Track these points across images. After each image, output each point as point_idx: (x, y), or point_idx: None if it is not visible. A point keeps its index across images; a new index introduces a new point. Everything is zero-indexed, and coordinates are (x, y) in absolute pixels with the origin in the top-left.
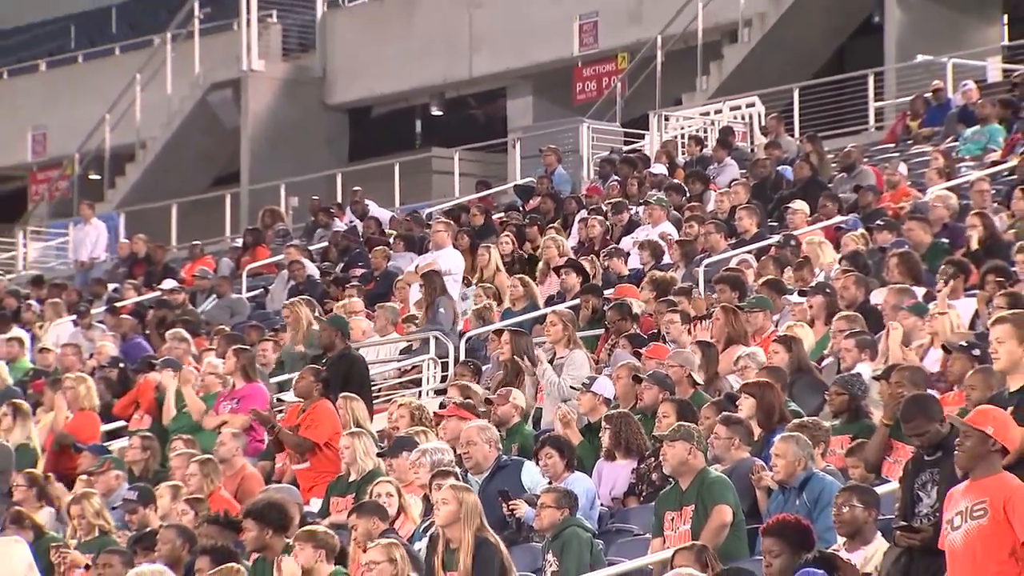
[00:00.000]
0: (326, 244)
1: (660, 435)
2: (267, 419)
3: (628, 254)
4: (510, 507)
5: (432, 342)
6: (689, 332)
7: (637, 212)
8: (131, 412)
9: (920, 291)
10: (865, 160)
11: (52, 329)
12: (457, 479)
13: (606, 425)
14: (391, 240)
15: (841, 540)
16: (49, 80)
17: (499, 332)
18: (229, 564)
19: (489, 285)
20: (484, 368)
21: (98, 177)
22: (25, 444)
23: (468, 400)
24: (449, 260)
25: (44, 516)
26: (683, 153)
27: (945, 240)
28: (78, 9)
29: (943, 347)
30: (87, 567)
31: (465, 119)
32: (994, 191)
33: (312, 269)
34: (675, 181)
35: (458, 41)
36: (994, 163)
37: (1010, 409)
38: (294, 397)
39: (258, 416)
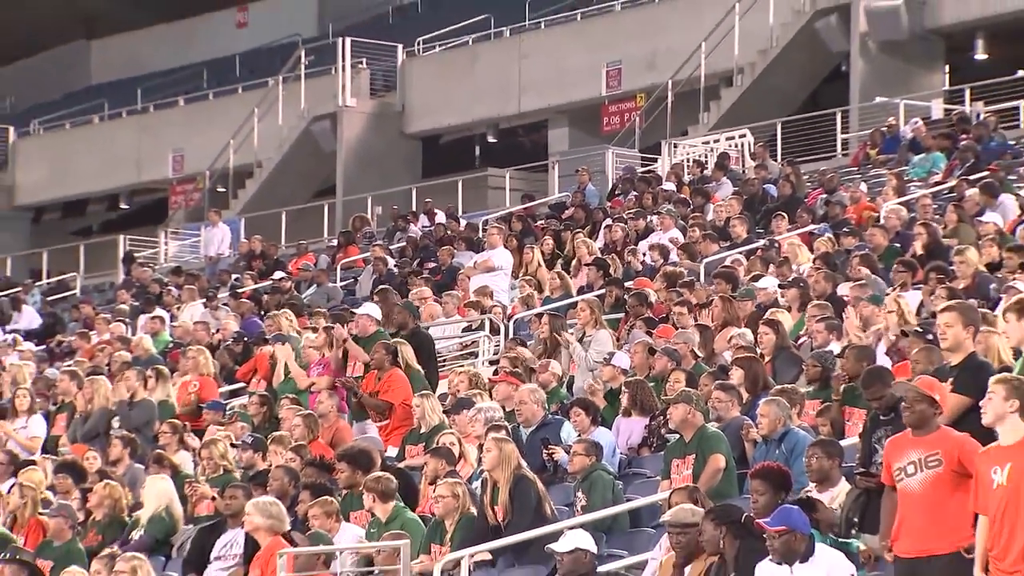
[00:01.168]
0: (403, 244)
1: (667, 398)
2: (351, 386)
3: (644, 254)
4: (549, 453)
5: (487, 323)
6: (694, 317)
7: (651, 220)
8: (250, 377)
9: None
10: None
11: (187, 310)
12: (505, 432)
13: (624, 390)
14: (455, 241)
15: (812, 484)
16: (186, 113)
17: (540, 315)
18: (325, 497)
19: (532, 278)
20: (528, 343)
21: (223, 190)
22: (165, 400)
23: (516, 369)
24: (500, 258)
25: (181, 458)
26: (688, 173)
27: (897, 244)
28: (210, 57)
29: (902, 331)
30: (213, 498)
31: (514, 145)
32: (936, 206)
33: (392, 264)
34: (682, 196)
35: (510, 84)
36: (936, 183)
37: (950, 380)
38: None
39: (344, 384)
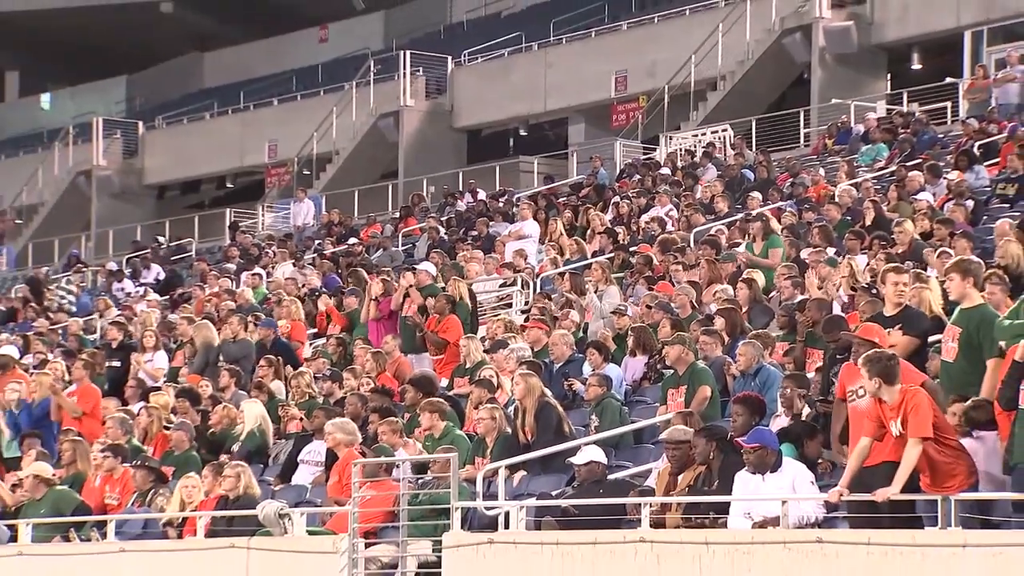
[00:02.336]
0: (451, 216)
1: (664, 340)
2: (418, 323)
3: (646, 224)
4: (569, 385)
5: (519, 280)
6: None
7: (651, 198)
8: (327, 322)
9: (831, 251)
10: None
11: (279, 268)
12: (532, 368)
13: (630, 334)
14: (493, 214)
15: (782, 409)
16: (279, 111)
17: (562, 274)
18: (391, 418)
19: (555, 244)
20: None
21: (308, 173)
22: (262, 340)
23: (543, 317)
24: (530, 228)
25: (275, 386)
26: (680, 160)
27: (849, 217)
28: (298, 66)
29: (851, 288)
30: (301, 419)
31: (541, 137)
32: (879, 186)
33: (442, 232)
34: (675, 178)
35: (537, 88)
36: (880, 169)
37: (897, 326)
38: None
39: (410, 320)
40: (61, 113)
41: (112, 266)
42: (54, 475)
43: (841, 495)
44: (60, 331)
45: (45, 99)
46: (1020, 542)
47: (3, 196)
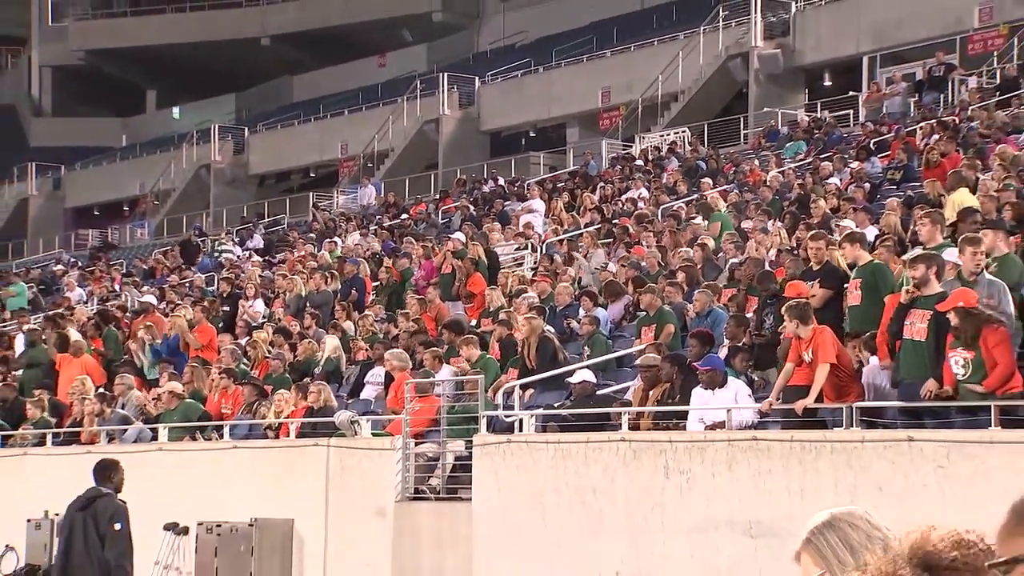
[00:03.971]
0: (478, 196)
1: (639, 291)
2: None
3: (624, 202)
4: (568, 323)
5: (528, 246)
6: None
7: (628, 183)
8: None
9: (769, 224)
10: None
11: (349, 237)
12: (537, 311)
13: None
14: (509, 195)
15: (727, 340)
16: (350, 119)
17: (561, 241)
18: (433, 348)
19: (556, 217)
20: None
21: (371, 165)
22: (337, 290)
23: (547, 272)
24: (538, 205)
25: (347, 325)
26: (651, 154)
27: (778, 197)
28: (362, 84)
29: (778, 250)
30: (366, 349)
31: (546, 138)
32: (799, 173)
33: (472, 209)
34: (647, 168)
35: (543, 100)
36: (800, 160)
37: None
38: None
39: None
40: (187, 121)
41: (225, 237)
42: (183, 391)
43: (771, 405)
44: (187, 284)
45: (176, 111)
46: (904, 438)
47: (145, 183)
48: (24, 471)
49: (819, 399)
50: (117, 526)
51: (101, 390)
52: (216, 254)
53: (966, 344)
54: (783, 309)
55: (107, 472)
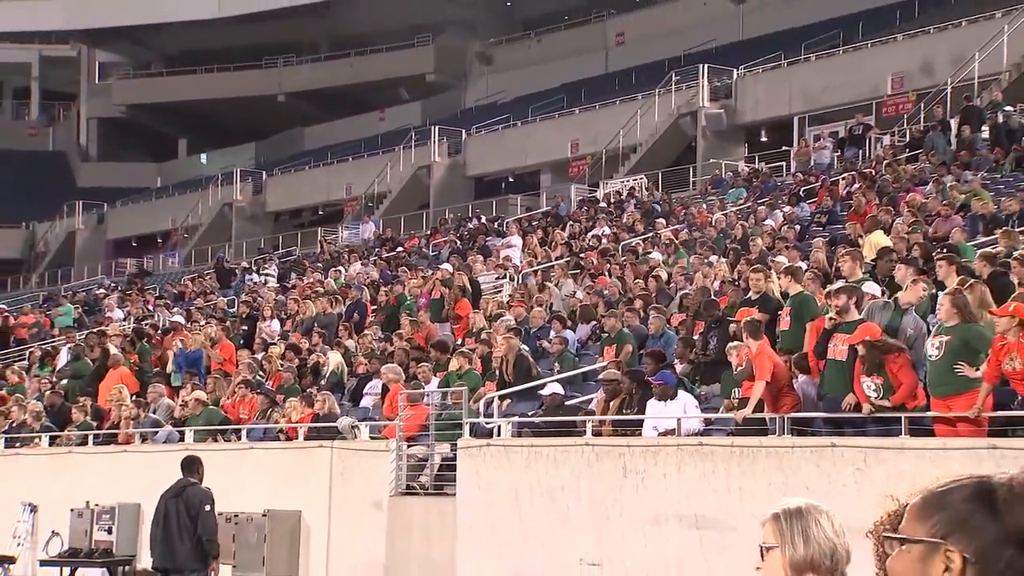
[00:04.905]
0: (464, 232)
1: (602, 315)
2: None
3: (590, 239)
4: (540, 342)
5: (506, 276)
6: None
7: (594, 222)
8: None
9: (714, 259)
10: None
11: (351, 266)
12: (514, 332)
13: (579, 311)
14: (490, 232)
15: (676, 359)
16: (353, 166)
17: (535, 271)
18: (423, 363)
19: (531, 251)
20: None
21: (371, 205)
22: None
23: (522, 299)
24: (515, 240)
25: (349, 343)
26: (613, 198)
27: (722, 235)
28: (363, 136)
29: (722, 281)
30: (365, 364)
31: (522, 183)
32: (740, 215)
33: (458, 243)
34: (609, 209)
35: (521, 150)
36: (741, 204)
37: (755, 307)
38: None
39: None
40: (213, 166)
41: (244, 264)
42: (206, 399)
43: (744, 416)
44: (211, 306)
45: (203, 157)
46: (827, 444)
47: (176, 219)
48: (69, 467)
49: (758, 408)
50: (207, 508)
51: (136, 397)
52: (261, 276)
53: (874, 370)
54: (742, 324)
55: (193, 465)
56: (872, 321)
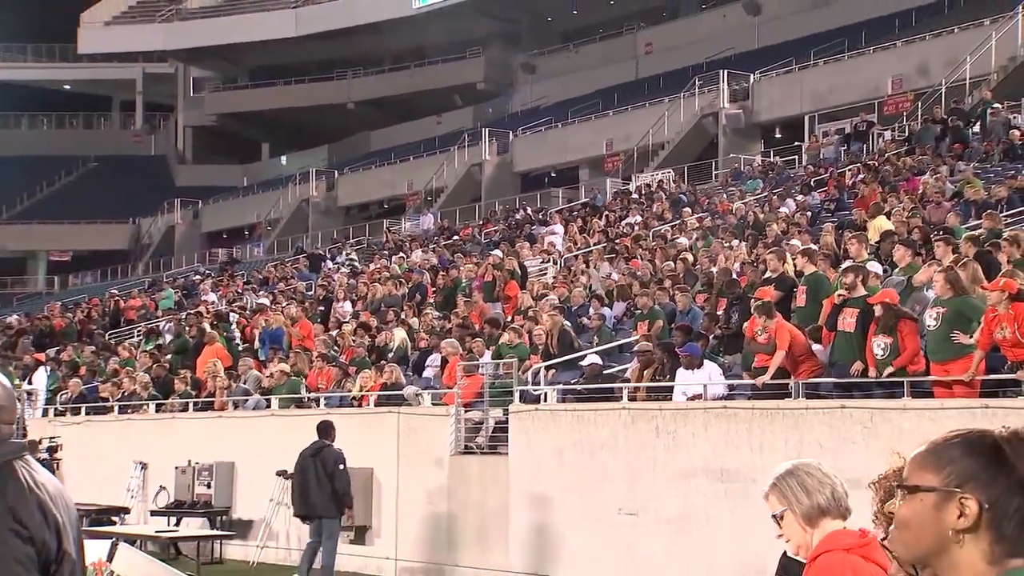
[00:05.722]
0: (512, 222)
1: (635, 293)
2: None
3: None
4: (580, 319)
5: (550, 260)
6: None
7: (627, 212)
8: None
9: (734, 242)
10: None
11: (413, 253)
12: (558, 309)
13: (616, 290)
14: (535, 221)
15: (703, 332)
16: (413, 164)
17: (576, 256)
18: (477, 338)
19: (571, 238)
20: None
21: (430, 198)
22: (403, 295)
23: (565, 280)
24: (558, 228)
25: (413, 321)
26: (644, 190)
27: (740, 221)
28: (422, 138)
29: (742, 263)
30: (426, 339)
31: (563, 177)
32: (758, 204)
33: (507, 232)
34: (641, 200)
35: (562, 148)
36: (758, 194)
37: (772, 286)
38: None
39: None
40: (291, 167)
41: (319, 253)
42: (289, 371)
43: (763, 383)
44: (292, 289)
45: (283, 159)
46: (838, 406)
47: (260, 213)
48: (172, 431)
49: (777, 376)
50: (341, 466)
51: (228, 370)
52: (345, 261)
53: (886, 331)
54: (754, 307)
55: (328, 430)
56: None
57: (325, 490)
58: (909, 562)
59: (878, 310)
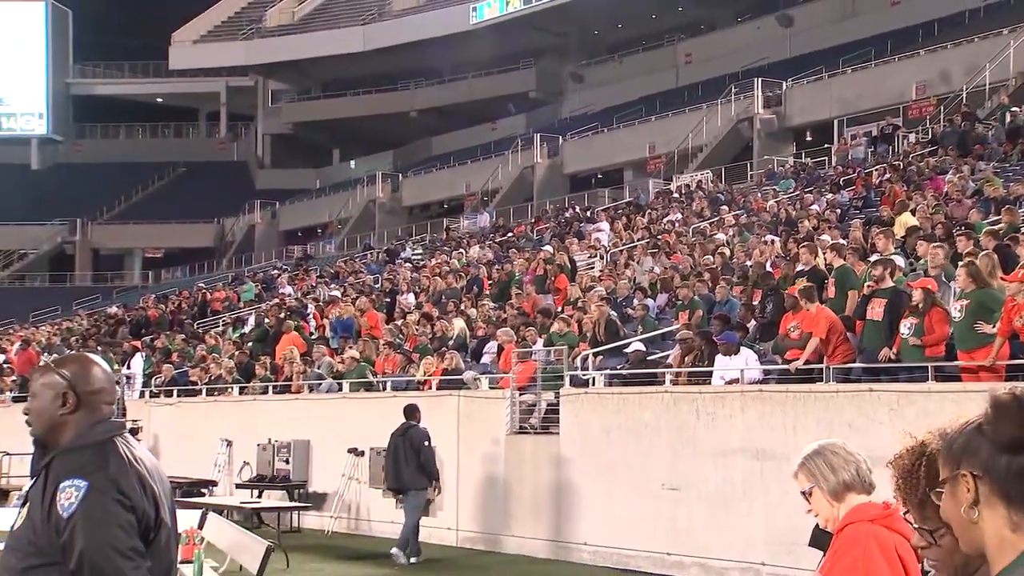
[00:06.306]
0: (562, 220)
1: (676, 285)
2: (547, 279)
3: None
4: (626, 309)
5: (597, 255)
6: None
7: (668, 210)
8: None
9: (768, 238)
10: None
11: (471, 249)
12: (604, 300)
13: (659, 282)
14: (582, 220)
15: (740, 321)
16: (471, 167)
17: (621, 251)
18: (531, 327)
19: (617, 234)
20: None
21: (486, 199)
22: (462, 287)
23: (610, 273)
24: (604, 226)
25: (471, 311)
26: (684, 190)
27: (775, 219)
28: (482, 142)
29: (776, 257)
30: (483, 328)
31: (610, 178)
32: (791, 202)
33: (557, 229)
34: (681, 199)
35: (608, 151)
36: (790, 193)
37: (804, 277)
38: None
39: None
40: (359, 170)
41: (386, 249)
42: (358, 357)
43: (803, 362)
44: (361, 283)
45: (352, 163)
46: (866, 389)
47: (331, 213)
48: (254, 411)
49: (810, 361)
50: (427, 443)
51: (303, 356)
52: (412, 254)
53: (918, 315)
54: (797, 292)
55: (414, 411)
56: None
57: (412, 465)
58: (973, 553)
59: (917, 295)
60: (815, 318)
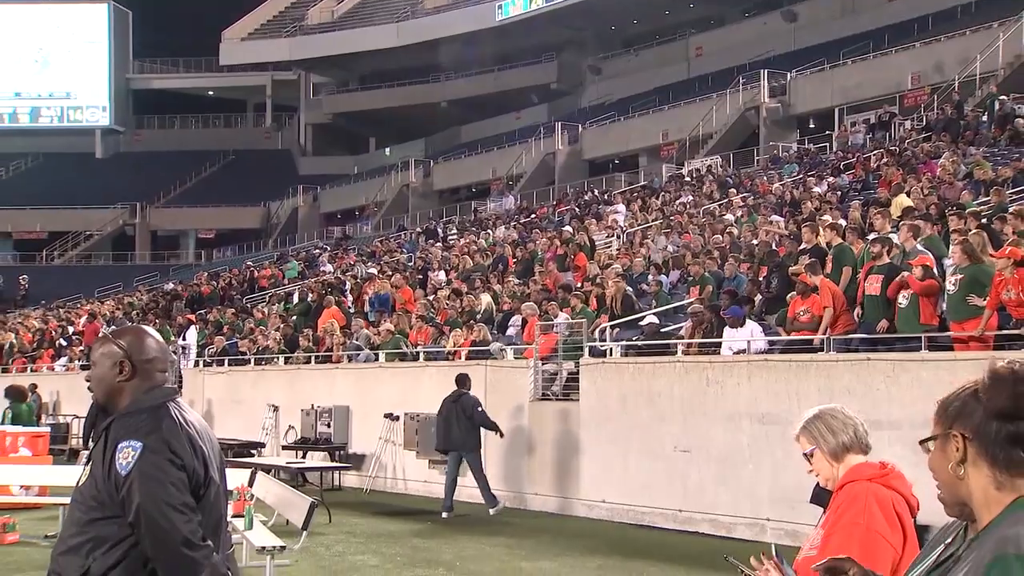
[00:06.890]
0: (581, 202)
1: (688, 263)
2: (567, 258)
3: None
4: (641, 285)
5: (614, 235)
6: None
7: (680, 193)
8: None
9: (774, 218)
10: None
11: (497, 230)
12: (621, 276)
13: (671, 262)
14: (601, 202)
15: (747, 296)
16: (498, 154)
17: (636, 231)
18: (552, 301)
19: (632, 215)
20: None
21: (511, 182)
22: (489, 265)
23: (627, 252)
24: (620, 207)
25: (497, 287)
26: (695, 174)
27: (780, 200)
28: (503, 132)
29: (780, 236)
30: (509, 302)
31: (626, 163)
32: (793, 185)
33: (577, 211)
34: (692, 183)
35: (624, 138)
36: (794, 176)
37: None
38: None
39: (558, 257)
40: (394, 157)
41: (418, 230)
42: (394, 330)
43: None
44: (395, 260)
45: (387, 151)
46: (864, 358)
47: (368, 197)
48: (298, 380)
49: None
50: (479, 408)
51: (343, 328)
52: (443, 233)
53: (912, 287)
54: (804, 266)
55: (465, 380)
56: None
57: (464, 428)
58: (951, 505)
59: (916, 270)
60: (822, 294)
